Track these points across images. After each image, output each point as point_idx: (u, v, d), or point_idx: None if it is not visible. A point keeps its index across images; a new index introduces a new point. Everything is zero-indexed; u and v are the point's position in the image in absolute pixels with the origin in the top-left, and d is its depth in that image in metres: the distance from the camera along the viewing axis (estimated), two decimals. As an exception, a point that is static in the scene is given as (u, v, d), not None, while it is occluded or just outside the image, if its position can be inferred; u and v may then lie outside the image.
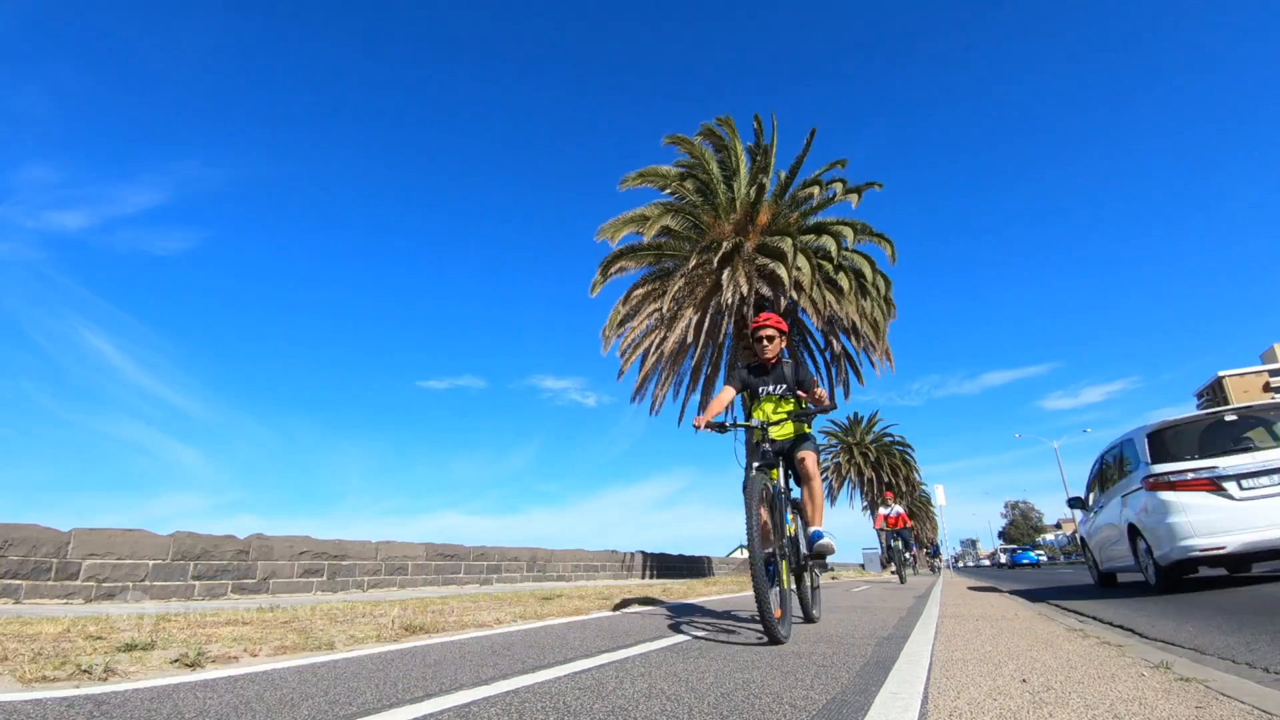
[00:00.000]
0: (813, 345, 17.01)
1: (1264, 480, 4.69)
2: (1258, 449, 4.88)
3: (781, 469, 3.56)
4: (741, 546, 33.45)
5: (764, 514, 3.14)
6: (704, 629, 3.55)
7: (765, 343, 3.74)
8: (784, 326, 3.81)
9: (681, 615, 4.59)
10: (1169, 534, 4.91)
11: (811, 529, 3.55)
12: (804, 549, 3.58)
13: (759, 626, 3.21)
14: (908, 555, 15.10)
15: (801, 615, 3.72)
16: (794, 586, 3.55)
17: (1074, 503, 7.82)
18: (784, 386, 3.74)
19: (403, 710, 1.60)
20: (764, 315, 3.80)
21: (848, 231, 14.95)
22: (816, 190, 15.00)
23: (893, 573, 13.93)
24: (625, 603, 5.58)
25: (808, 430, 3.75)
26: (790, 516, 3.49)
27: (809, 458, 3.58)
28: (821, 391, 3.58)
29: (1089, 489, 7.33)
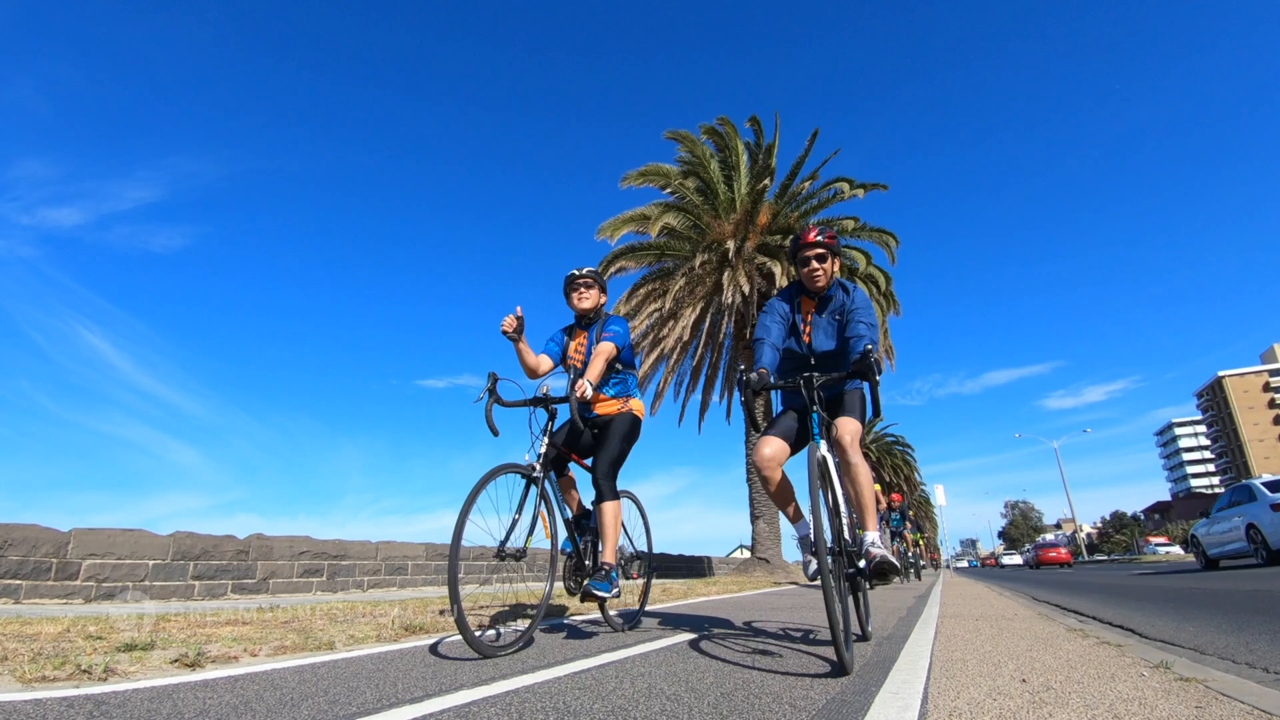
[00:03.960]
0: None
1: None
2: None
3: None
4: (742, 546, 33.43)
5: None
6: (704, 629, 3.55)
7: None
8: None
9: (681, 615, 4.60)
10: None
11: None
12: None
13: (756, 626, 3.21)
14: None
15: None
16: None
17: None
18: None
19: (403, 710, 1.60)
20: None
21: (848, 225, 14.94)
22: (817, 189, 15.00)
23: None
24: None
25: None
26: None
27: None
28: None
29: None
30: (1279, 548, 9.41)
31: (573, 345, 3.58)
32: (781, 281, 13.50)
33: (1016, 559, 55.19)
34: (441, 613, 4.11)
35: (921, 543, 19.87)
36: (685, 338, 15.10)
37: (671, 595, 6.96)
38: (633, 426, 3.44)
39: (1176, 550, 40.74)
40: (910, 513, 16.74)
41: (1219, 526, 11.25)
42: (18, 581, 5.31)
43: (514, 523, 2.68)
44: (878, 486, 11.74)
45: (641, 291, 15.71)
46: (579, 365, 3.47)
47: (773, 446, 2.71)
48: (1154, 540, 51.15)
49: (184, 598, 6.35)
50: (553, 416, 3.06)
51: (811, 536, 2.43)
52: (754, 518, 15.70)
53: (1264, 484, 10.23)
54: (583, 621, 3.97)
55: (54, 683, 1.91)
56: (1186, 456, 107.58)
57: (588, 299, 3.54)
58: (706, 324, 15.83)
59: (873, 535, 2.62)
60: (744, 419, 16.05)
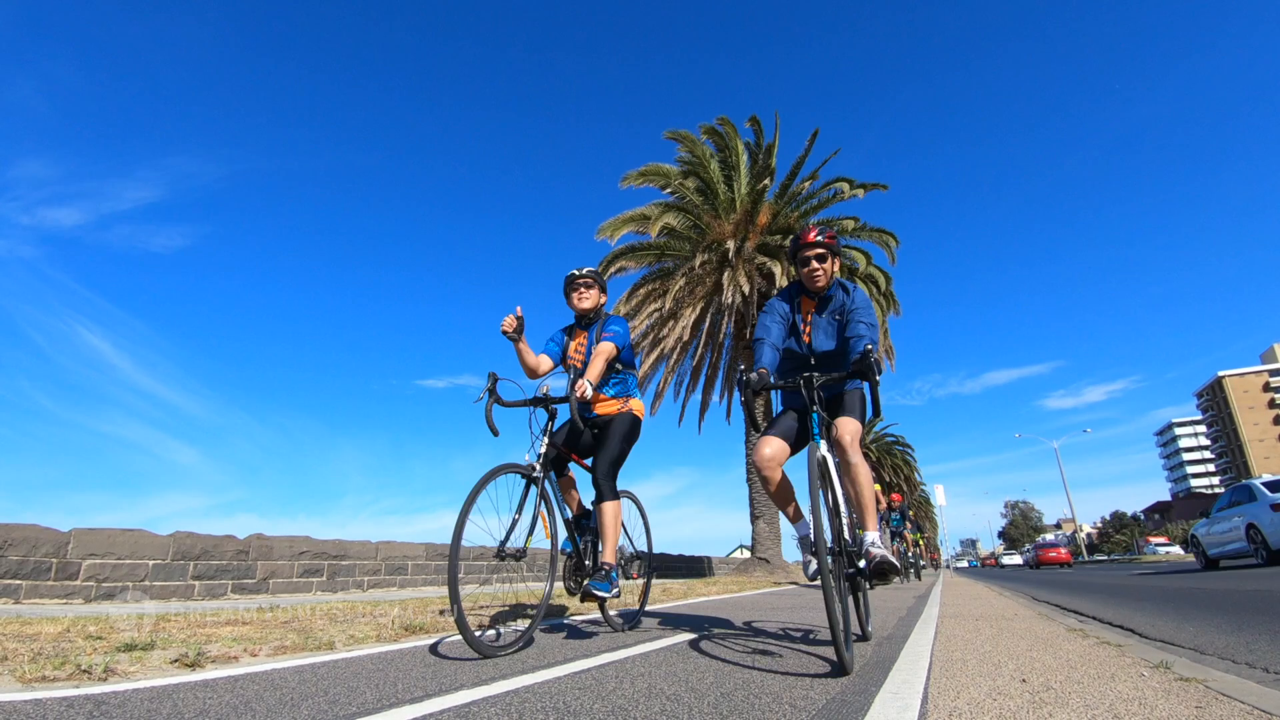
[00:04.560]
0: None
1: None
2: None
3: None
4: (742, 546, 33.32)
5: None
6: (703, 628, 3.55)
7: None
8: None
9: (681, 615, 4.59)
10: None
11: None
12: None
13: (756, 626, 3.23)
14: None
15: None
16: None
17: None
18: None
19: (403, 710, 1.60)
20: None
21: (848, 225, 14.94)
22: (817, 188, 15.00)
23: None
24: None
25: None
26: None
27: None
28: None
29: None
30: (1279, 548, 9.39)
31: (573, 345, 3.58)
32: (781, 281, 13.49)
33: (1016, 559, 57.05)
34: (441, 613, 4.11)
35: (921, 542, 18.67)
36: (685, 338, 15.10)
37: (671, 595, 6.96)
38: (633, 426, 3.44)
39: (1176, 550, 40.76)
40: (910, 512, 15.58)
41: (1219, 526, 11.23)
42: (18, 581, 5.31)
43: (514, 523, 2.68)
44: (878, 486, 11.67)
45: (641, 291, 15.71)
46: (579, 365, 3.47)
47: (773, 446, 2.71)
48: (1154, 540, 51.45)
49: (184, 598, 6.35)
50: (552, 416, 3.04)
51: (811, 536, 2.43)
52: (754, 518, 15.70)
53: (1264, 484, 10.20)
54: (583, 621, 3.97)
55: (54, 683, 1.91)
56: (1186, 456, 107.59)
57: (587, 299, 3.51)
58: (706, 324, 15.83)
59: (873, 535, 2.62)
60: (744, 419, 16.07)
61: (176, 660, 2.28)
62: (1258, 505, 9.95)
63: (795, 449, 2.81)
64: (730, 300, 13.86)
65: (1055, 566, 30.52)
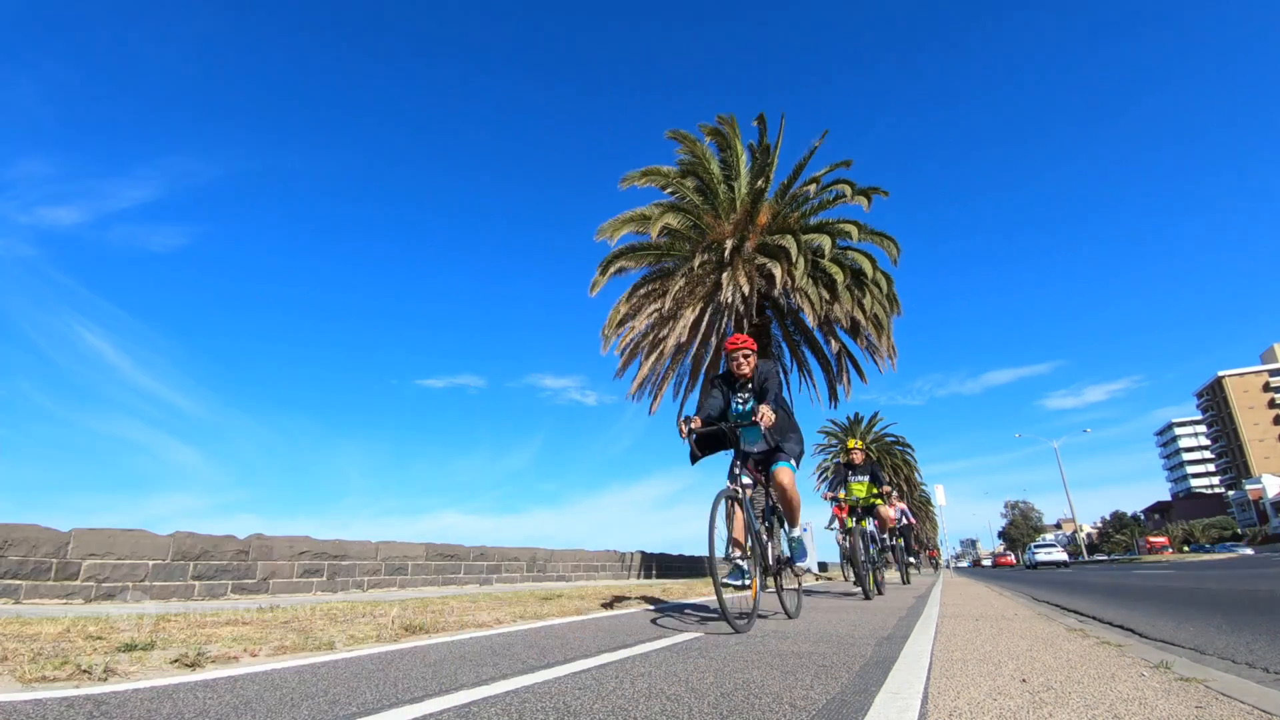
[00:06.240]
0: (813, 344, 17.00)
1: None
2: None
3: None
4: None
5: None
6: (703, 628, 3.54)
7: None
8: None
9: (681, 615, 4.59)
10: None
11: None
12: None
13: (756, 625, 3.24)
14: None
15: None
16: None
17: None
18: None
19: (403, 710, 1.60)
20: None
21: (850, 230, 14.93)
22: (816, 190, 14.97)
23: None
24: (625, 602, 5.58)
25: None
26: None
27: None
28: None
29: None
30: None
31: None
32: (785, 280, 13.48)
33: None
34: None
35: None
36: (684, 338, 15.08)
37: (671, 595, 6.96)
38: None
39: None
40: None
41: None
42: (18, 581, 5.31)
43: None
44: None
45: (641, 292, 15.70)
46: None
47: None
48: (1154, 541, 52.92)
49: (184, 598, 6.35)
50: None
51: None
52: (754, 518, 15.70)
53: None
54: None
55: (54, 683, 1.91)
56: (1186, 456, 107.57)
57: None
58: (705, 323, 15.82)
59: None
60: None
61: (176, 660, 2.28)
62: None
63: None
64: (730, 300, 13.86)
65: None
